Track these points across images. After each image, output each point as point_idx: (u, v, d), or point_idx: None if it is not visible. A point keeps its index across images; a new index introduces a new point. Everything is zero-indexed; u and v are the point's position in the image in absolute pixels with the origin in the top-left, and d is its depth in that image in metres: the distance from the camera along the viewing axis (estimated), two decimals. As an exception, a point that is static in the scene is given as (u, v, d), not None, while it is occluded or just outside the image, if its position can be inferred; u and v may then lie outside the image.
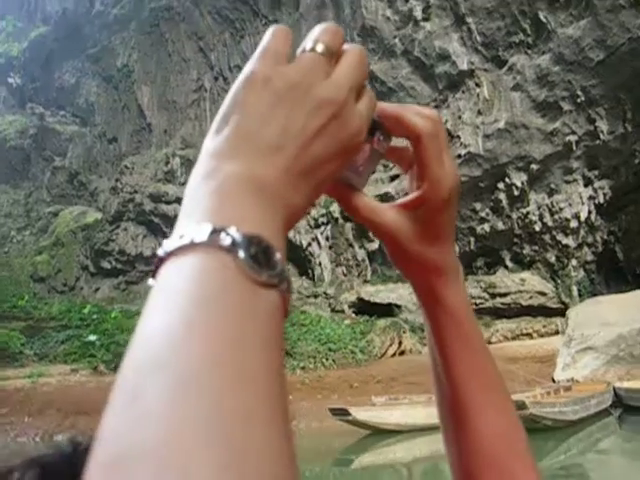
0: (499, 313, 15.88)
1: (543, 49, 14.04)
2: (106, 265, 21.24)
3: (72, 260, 21.30)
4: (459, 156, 15.41)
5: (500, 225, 15.83)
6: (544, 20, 13.82)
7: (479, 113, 15.28)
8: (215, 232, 0.37)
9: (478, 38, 15.14)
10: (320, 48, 0.49)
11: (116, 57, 23.95)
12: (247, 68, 0.48)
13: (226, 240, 0.38)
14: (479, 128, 15.23)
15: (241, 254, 0.38)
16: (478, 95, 15.34)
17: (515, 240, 15.85)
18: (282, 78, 0.47)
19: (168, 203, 20.66)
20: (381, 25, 17.28)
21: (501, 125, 14.94)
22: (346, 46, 0.52)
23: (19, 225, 23.17)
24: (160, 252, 0.36)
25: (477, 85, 15.36)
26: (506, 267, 16.17)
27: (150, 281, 0.37)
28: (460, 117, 15.67)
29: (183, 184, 21.24)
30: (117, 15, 24.15)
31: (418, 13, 16.27)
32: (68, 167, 23.73)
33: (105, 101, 24.32)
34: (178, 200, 20.64)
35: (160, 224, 21.00)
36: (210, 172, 0.44)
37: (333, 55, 0.50)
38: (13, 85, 26.43)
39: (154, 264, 0.36)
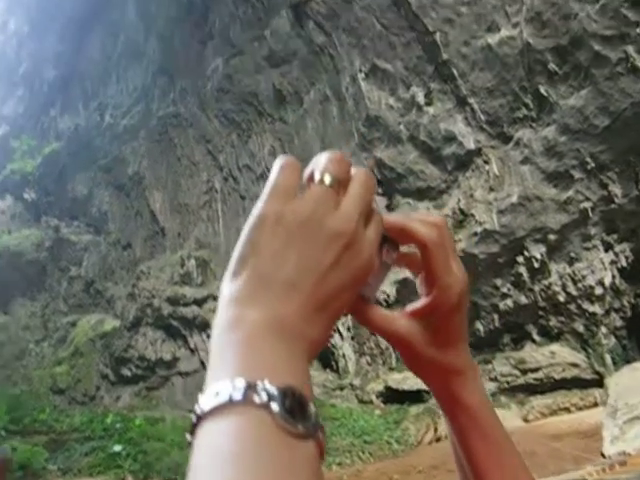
0: (532, 389, 15.43)
1: (547, 121, 14.26)
2: (126, 372, 20.99)
3: (92, 369, 21.11)
4: (475, 234, 15.40)
5: (523, 299, 15.61)
6: (545, 93, 14.10)
7: (491, 190, 15.37)
8: (250, 388, 0.40)
9: (482, 117, 15.42)
10: (328, 180, 0.51)
11: (127, 166, 24.52)
12: (258, 207, 0.50)
13: (262, 396, 0.41)
14: (492, 204, 15.28)
15: (276, 408, 0.40)
16: (488, 172, 15.48)
17: (540, 313, 15.58)
18: (293, 215, 0.49)
19: (186, 305, 20.59)
20: (385, 114, 17.66)
21: (514, 199, 14.98)
22: (352, 171, 0.52)
23: (37, 337, 23.15)
24: (197, 410, 0.42)
25: (486, 162, 15.52)
26: (534, 341, 15.83)
27: (188, 437, 0.43)
28: (472, 195, 15.76)
29: (200, 285, 21.36)
30: (126, 126, 24.91)
31: (420, 99, 16.65)
32: (84, 276, 23.93)
33: (118, 209, 24.76)
34: (196, 302, 20.70)
35: (179, 327, 20.85)
36: (233, 322, 0.48)
37: (341, 184, 0.52)
38: (28, 200, 27.06)
39: (193, 422, 0.42)
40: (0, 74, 31.90)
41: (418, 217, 0.60)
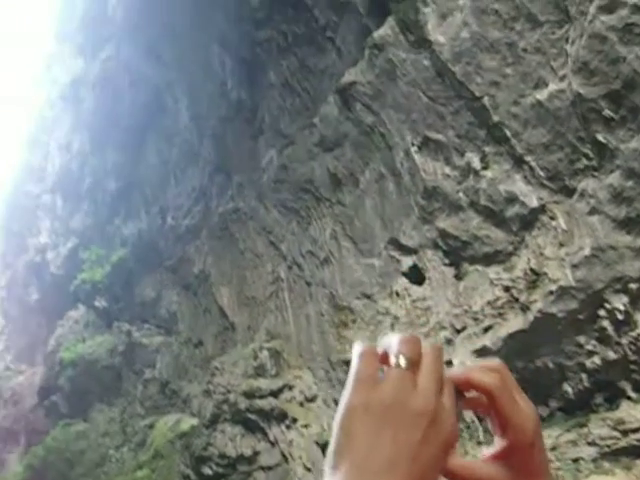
0: (637, 452, 14.44)
1: (610, 168, 13.91)
2: (207, 471, 20.63)
3: (172, 471, 20.85)
4: (550, 293, 14.87)
5: (611, 354, 14.84)
6: (604, 140, 13.83)
7: (561, 245, 14.93)
8: None
9: (541, 173, 15.17)
10: (403, 362, 0.59)
11: (192, 265, 24.93)
12: (346, 398, 0.58)
13: None
14: (565, 260, 14.80)
15: None
16: (555, 228, 15.08)
17: (632, 367, 14.74)
18: (378, 402, 0.57)
19: (262, 398, 20.36)
20: (442, 183, 17.58)
21: (587, 252, 14.49)
22: (423, 349, 0.59)
23: (117, 443, 23.16)
24: None
25: (552, 218, 15.16)
26: (629, 398, 14.92)
27: None
28: (542, 254, 15.33)
29: (275, 376, 21.16)
30: (188, 226, 25.50)
31: (476, 164, 16.55)
32: (158, 377, 24.06)
33: (186, 308, 25.04)
34: (272, 393, 20.46)
35: (257, 420, 20.52)
36: None
37: (415, 364, 0.58)
38: (99, 308, 27.72)
39: None
40: (67, 191, 33.34)
41: (478, 367, 0.66)
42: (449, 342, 16.89)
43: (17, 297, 34.89)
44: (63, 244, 32.06)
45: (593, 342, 15.27)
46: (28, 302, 33.55)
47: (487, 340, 16.20)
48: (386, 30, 18.37)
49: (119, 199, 30.54)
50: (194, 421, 21.72)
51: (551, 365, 15.03)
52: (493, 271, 16.35)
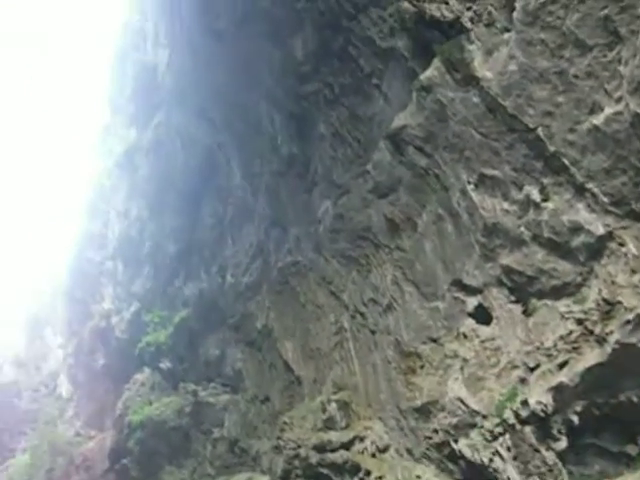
0: None
1: (680, 187, 13.47)
2: (283, 529, 20.20)
3: (249, 531, 20.48)
4: (627, 322, 14.26)
5: None
6: (670, 160, 13.42)
7: (633, 272, 14.36)
8: None
9: (605, 199, 14.73)
10: None
11: (254, 321, 24.90)
12: None
13: None
14: (638, 286, 14.24)
15: None
16: (626, 254, 14.54)
17: None
18: None
19: (334, 451, 19.96)
20: (502, 219, 17.23)
21: (662, 276, 13.94)
22: None
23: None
24: None
25: (621, 245, 14.63)
26: None
27: None
28: (614, 282, 14.77)
29: (345, 428, 20.73)
30: (248, 283, 25.58)
31: (536, 196, 16.20)
32: (227, 436, 23.87)
33: (251, 365, 24.92)
34: (343, 446, 20.01)
35: (329, 474, 20.07)
36: None
37: None
38: (165, 369, 27.86)
39: None
40: (127, 256, 33.99)
41: None
42: (523, 381, 16.30)
43: (84, 363, 35.45)
44: (126, 309, 32.60)
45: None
46: (95, 368, 34.03)
47: (563, 377, 15.56)
48: (432, 71, 18.35)
49: (178, 261, 30.95)
50: (265, 478, 21.37)
51: (636, 399, 14.32)
52: (563, 304, 15.81)
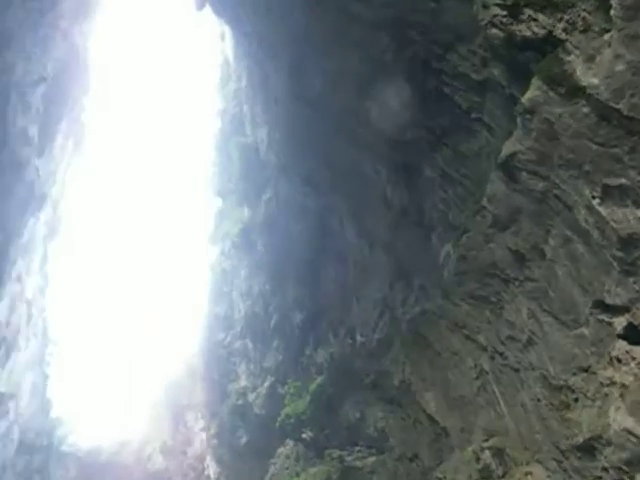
0: None
1: None
2: None
3: None
4: None
5: None
6: None
7: None
8: None
9: None
10: None
11: (391, 377, 24.36)
12: None
13: None
14: None
15: None
16: None
17: None
18: None
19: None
20: (637, 228, 16.21)
21: None
22: None
23: None
24: None
25: None
26: None
27: None
28: None
29: (502, 477, 19.58)
30: (379, 340, 25.20)
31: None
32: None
33: (394, 422, 24.26)
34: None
35: (495, 527, 18.92)
36: None
37: None
38: (307, 439, 27.60)
39: None
40: (255, 333, 34.53)
41: None
42: (694, 401, 14.92)
43: (227, 443, 35.83)
44: (261, 384, 32.88)
45: None
46: (238, 446, 34.27)
47: None
48: (533, 92, 17.82)
49: (306, 329, 31.06)
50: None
51: None
52: None
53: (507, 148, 18.98)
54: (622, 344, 16.80)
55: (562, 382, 18.13)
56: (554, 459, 18.53)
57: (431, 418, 22.91)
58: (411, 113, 22.62)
